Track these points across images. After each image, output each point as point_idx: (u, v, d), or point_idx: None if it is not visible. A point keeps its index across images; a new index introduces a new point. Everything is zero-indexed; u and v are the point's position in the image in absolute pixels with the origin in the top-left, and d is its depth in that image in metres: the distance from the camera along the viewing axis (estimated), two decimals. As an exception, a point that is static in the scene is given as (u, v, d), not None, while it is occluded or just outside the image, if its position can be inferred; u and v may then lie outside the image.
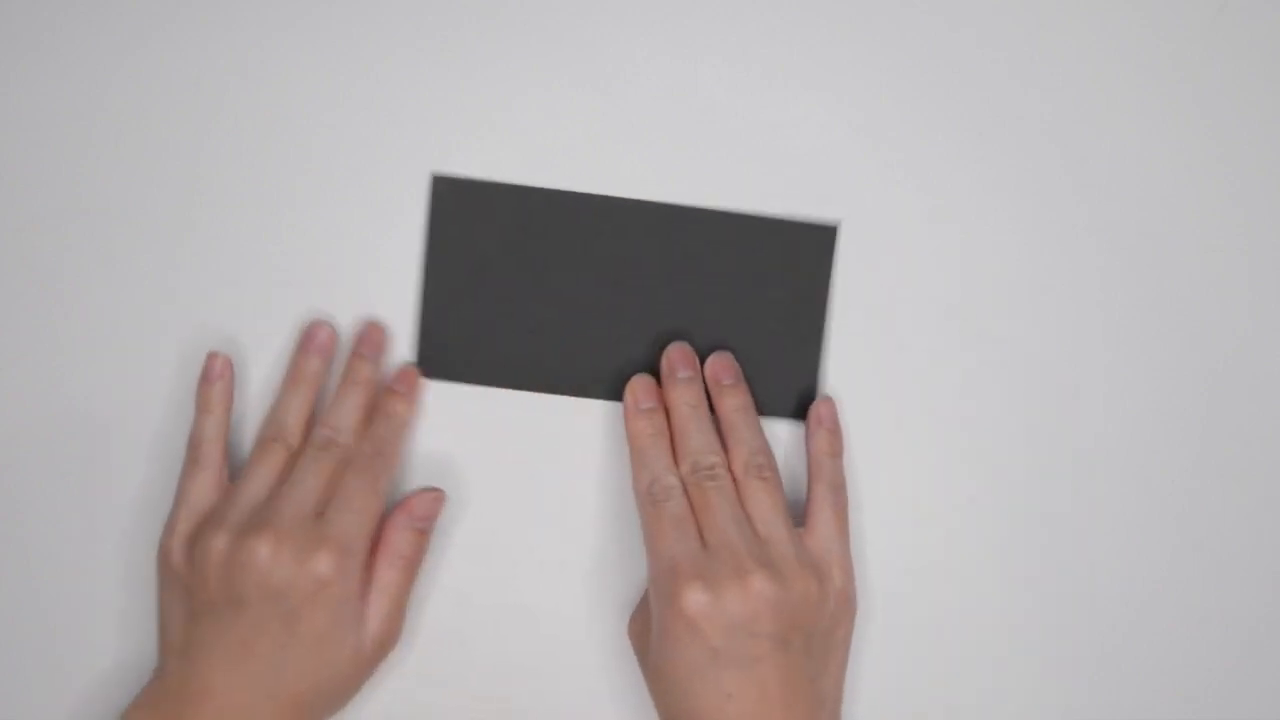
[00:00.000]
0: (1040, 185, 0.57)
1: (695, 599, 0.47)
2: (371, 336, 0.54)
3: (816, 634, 0.49)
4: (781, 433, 0.55)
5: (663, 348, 0.54)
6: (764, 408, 0.54)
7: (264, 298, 0.55)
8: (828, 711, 0.49)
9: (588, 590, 0.55)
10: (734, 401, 0.53)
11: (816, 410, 0.54)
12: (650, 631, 0.50)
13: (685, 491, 0.50)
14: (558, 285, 0.55)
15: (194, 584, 0.49)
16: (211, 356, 0.53)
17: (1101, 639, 0.55)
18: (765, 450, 0.52)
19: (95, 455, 0.55)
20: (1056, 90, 0.57)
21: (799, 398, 0.55)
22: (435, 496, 0.53)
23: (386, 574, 0.51)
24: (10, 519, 0.55)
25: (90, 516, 0.55)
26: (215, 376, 0.53)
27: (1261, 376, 0.56)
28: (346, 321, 0.55)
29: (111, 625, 0.54)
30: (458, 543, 0.55)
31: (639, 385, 0.53)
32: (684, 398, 0.52)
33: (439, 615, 0.55)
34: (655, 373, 0.54)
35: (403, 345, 0.55)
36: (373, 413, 0.53)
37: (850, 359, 0.56)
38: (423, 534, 0.53)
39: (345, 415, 0.53)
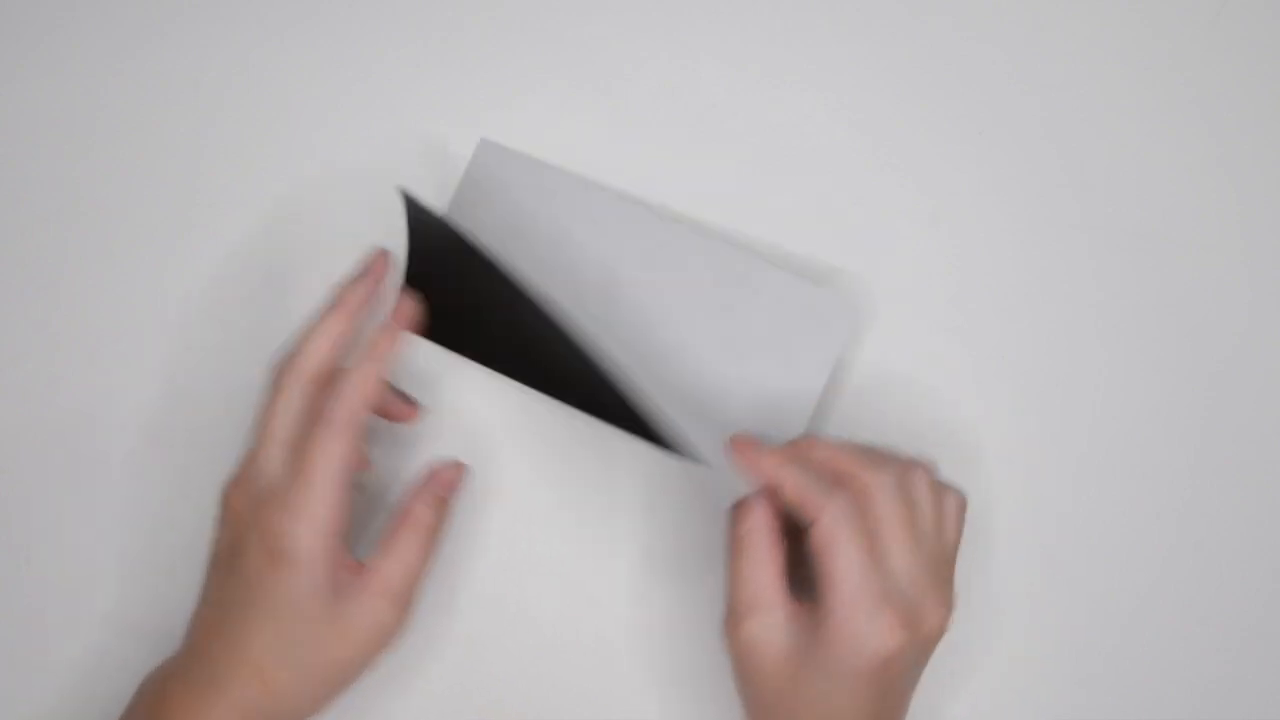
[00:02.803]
0: (1039, 185, 0.57)
1: (897, 642, 0.45)
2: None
3: None
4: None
5: (642, 363, 0.53)
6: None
7: (264, 297, 0.55)
8: None
9: (589, 591, 0.55)
10: None
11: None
12: (795, 634, 0.46)
13: None
14: (557, 274, 0.54)
15: (220, 537, 0.50)
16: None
17: (1101, 639, 0.55)
18: None
19: (95, 455, 0.55)
20: (1056, 90, 0.57)
21: (792, 423, 0.53)
22: (459, 467, 0.52)
23: (409, 550, 0.49)
24: (10, 519, 0.55)
25: (90, 516, 0.55)
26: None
27: (1261, 376, 0.56)
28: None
29: (111, 625, 0.54)
30: (455, 545, 0.55)
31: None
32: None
33: (438, 617, 0.55)
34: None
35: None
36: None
37: (850, 359, 0.56)
38: (444, 503, 0.51)
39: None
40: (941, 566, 0.47)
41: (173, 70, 0.56)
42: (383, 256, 0.52)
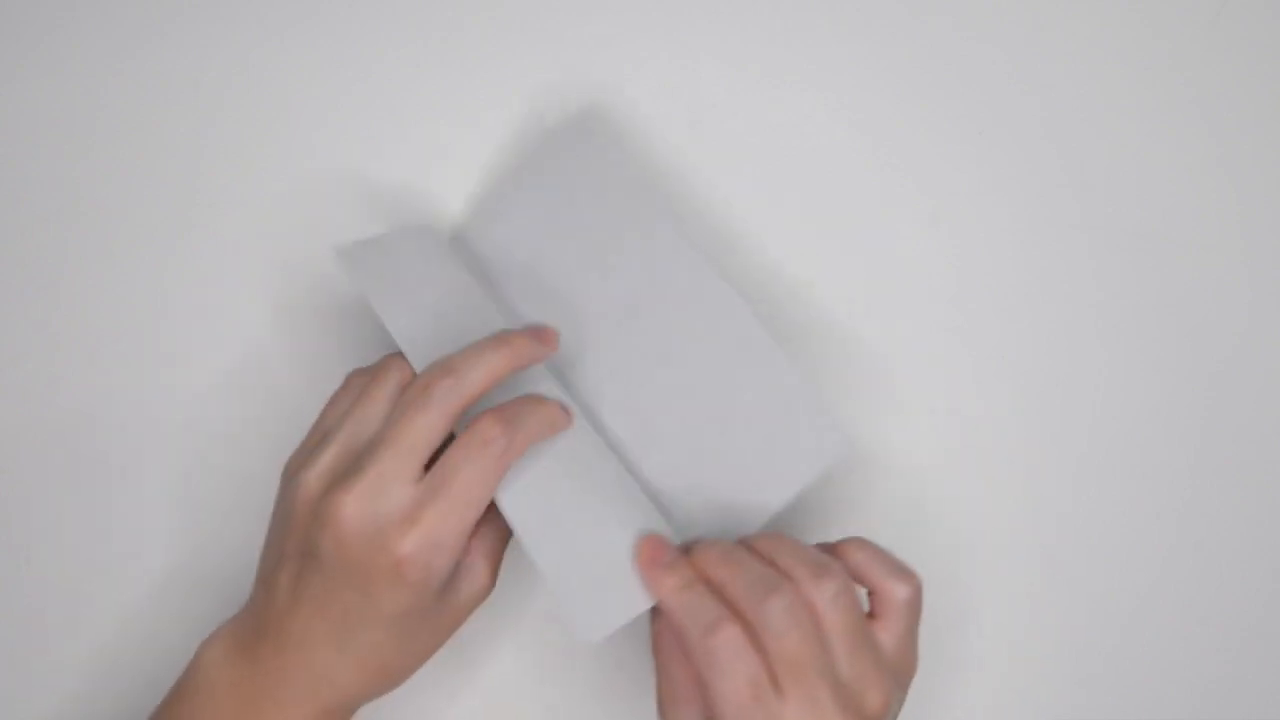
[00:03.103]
0: (1039, 185, 0.57)
1: None
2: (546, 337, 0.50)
3: None
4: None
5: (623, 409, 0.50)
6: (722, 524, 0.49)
7: (264, 297, 0.55)
8: None
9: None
10: None
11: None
12: None
13: None
14: (590, 275, 0.52)
15: (286, 522, 0.46)
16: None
17: (1101, 639, 0.55)
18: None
19: (95, 455, 0.55)
20: (1056, 90, 0.57)
21: (741, 526, 0.50)
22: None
23: (493, 522, 0.47)
24: (10, 519, 0.55)
25: (90, 516, 0.55)
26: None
27: (1261, 376, 0.56)
28: (347, 320, 0.55)
29: (111, 625, 0.54)
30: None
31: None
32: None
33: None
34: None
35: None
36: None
37: (850, 359, 0.56)
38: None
39: (469, 365, 0.46)
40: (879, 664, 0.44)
41: (173, 70, 0.56)
42: (555, 336, 0.50)
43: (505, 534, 0.48)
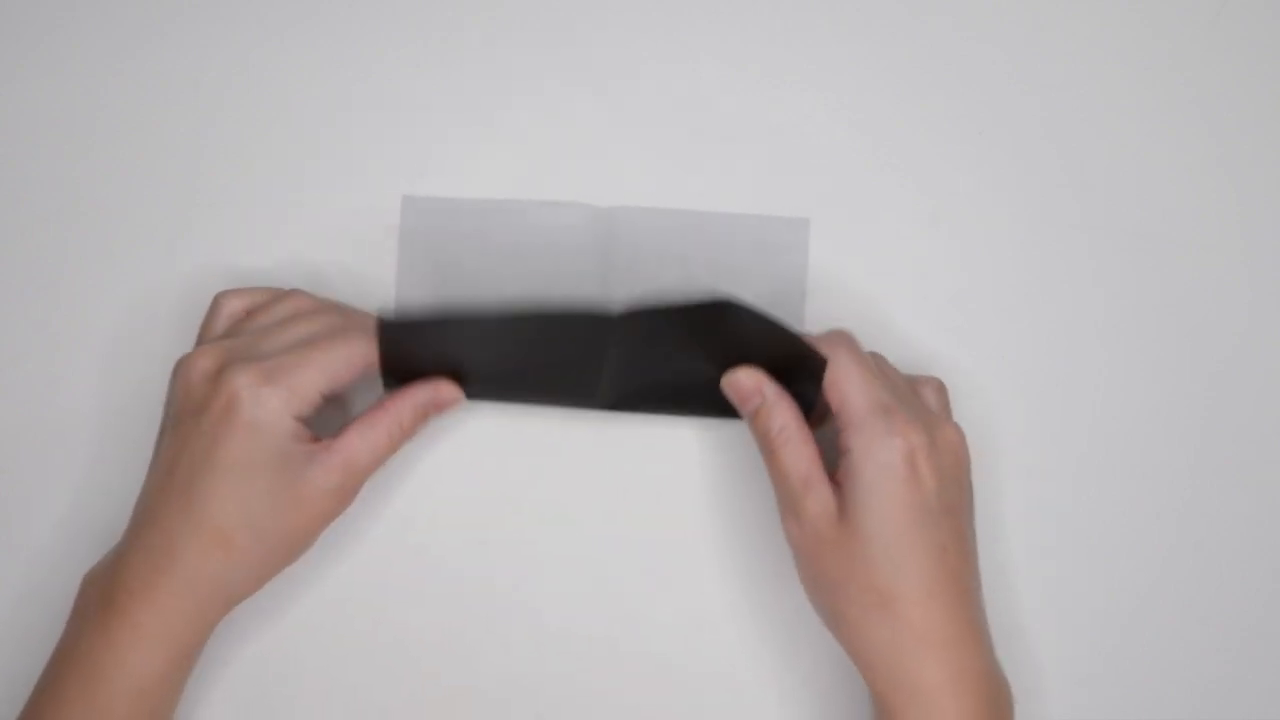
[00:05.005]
0: (1039, 185, 0.57)
1: (917, 439, 0.47)
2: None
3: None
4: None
5: (637, 349, 0.52)
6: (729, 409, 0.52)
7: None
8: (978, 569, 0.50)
9: (592, 594, 0.55)
10: None
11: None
12: (838, 502, 0.48)
13: None
14: (528, 294, 0.54)
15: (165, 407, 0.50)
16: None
17: (1101, 639, 0.55)
18: None
19: (95, 455, 0.55)
20: (1056, 90, 0.57)
21: None
22: (459, 396, 0.51)
23: (379, 436, 0.49)
24: (10, 519, 0.55)
25: (89, 516, 0.55)
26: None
27: (1261, 376, 0.56)
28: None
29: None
30: (456, 550, 0.55)
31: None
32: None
33: (437, 617, 0.55)
34: (634, 377, 0.52)
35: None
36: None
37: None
38: (425, 418, 0.51)
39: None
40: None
41: (173, 70, 0.56)
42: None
43: (373, 460, 0.49)
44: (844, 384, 0.48)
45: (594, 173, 0.56)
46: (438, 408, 0.51)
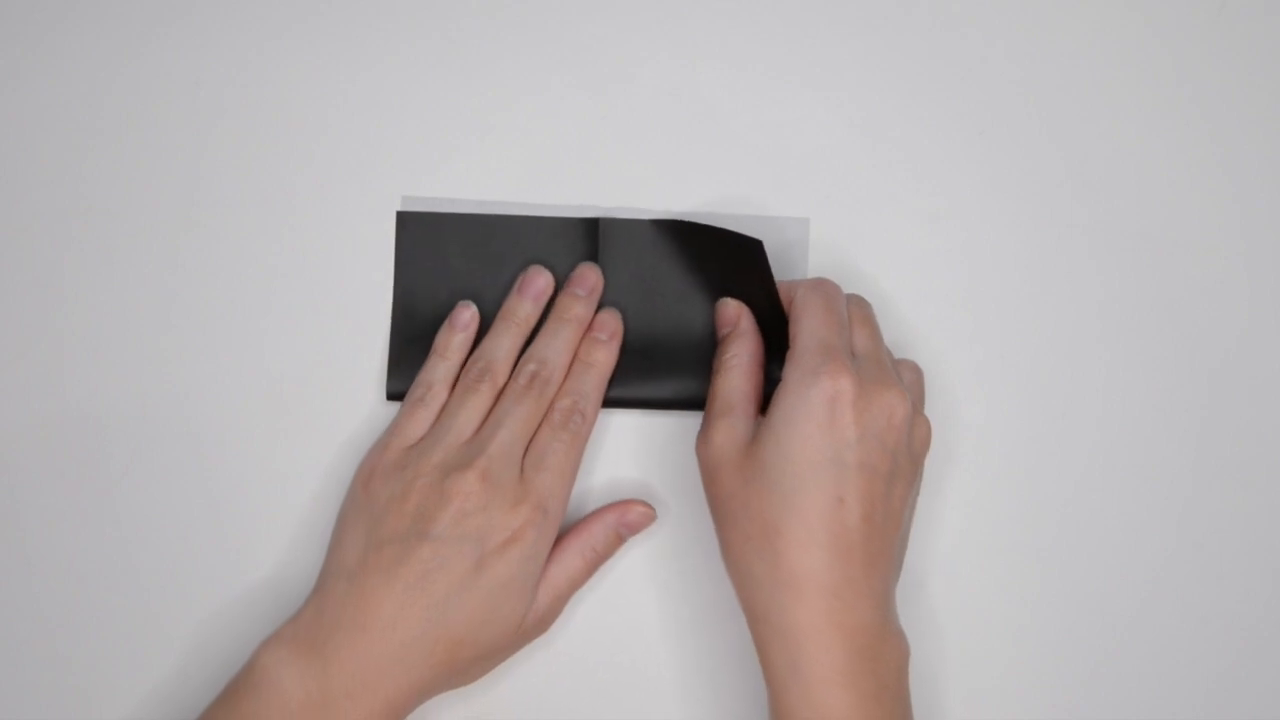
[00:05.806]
0: (1040, 185, 0.57)
1: (846, 385, 0.47)
2: (586, 276, 0.54)
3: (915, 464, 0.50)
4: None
5: (640, 353, 0.54)
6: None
7: (264, 297, 0.55)
8: (902, 547, 0.50)
9: (592, 594, 0.55)
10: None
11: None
12: (755, 432, 0.48)
13: None
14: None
15: (388, 510, 0.49)
16: (462, 307, 0.54)
17: (1101, 639, 0.55)
18: None
19: (95, 455, 0.55)
20: (1057, 90, 0.57)
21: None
22: (649, 512, 0.53)
23: (574, 560, 0.51)
24: (10, 519, 0.55)
25: (90, 516, 0.55)
26: (461, 326, 0.53)
27: (1260, 376, 0.56)
28: (347, 318, 0.55)
29: (111, 626, 0.54)
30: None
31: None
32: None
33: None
34: (640, 375, 0.54)
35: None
36: (573, 361, 0.53)
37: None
38: (621, 541, 0.53)
39: (554, 351, 0.52)
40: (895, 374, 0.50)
41: (173, 70, 0.56)
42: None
43: (573, 590, 0.52)
44: (801, 318, 0.50)
45: (594, 173, 0.56)
46: (634, 530, 0.53)
